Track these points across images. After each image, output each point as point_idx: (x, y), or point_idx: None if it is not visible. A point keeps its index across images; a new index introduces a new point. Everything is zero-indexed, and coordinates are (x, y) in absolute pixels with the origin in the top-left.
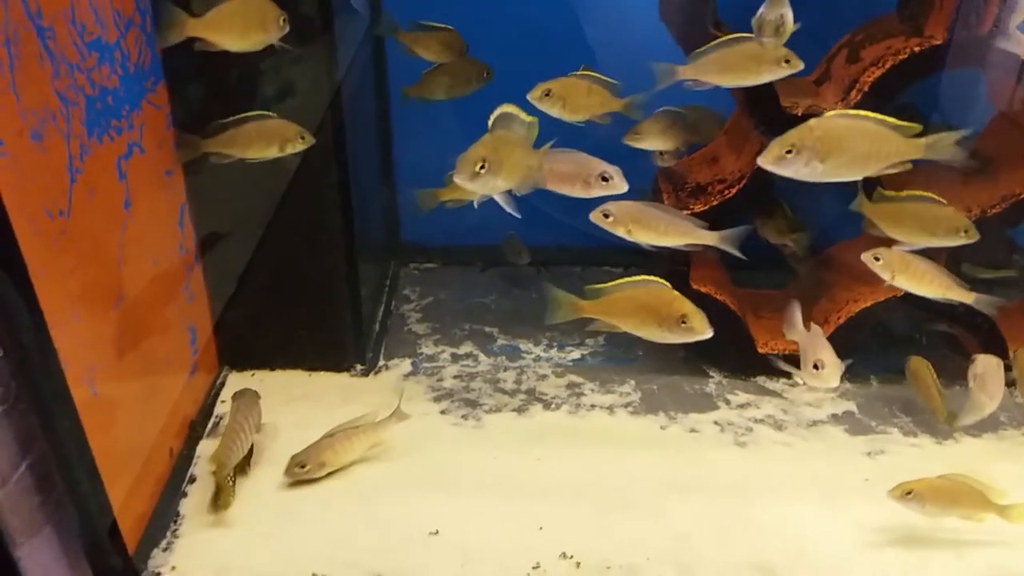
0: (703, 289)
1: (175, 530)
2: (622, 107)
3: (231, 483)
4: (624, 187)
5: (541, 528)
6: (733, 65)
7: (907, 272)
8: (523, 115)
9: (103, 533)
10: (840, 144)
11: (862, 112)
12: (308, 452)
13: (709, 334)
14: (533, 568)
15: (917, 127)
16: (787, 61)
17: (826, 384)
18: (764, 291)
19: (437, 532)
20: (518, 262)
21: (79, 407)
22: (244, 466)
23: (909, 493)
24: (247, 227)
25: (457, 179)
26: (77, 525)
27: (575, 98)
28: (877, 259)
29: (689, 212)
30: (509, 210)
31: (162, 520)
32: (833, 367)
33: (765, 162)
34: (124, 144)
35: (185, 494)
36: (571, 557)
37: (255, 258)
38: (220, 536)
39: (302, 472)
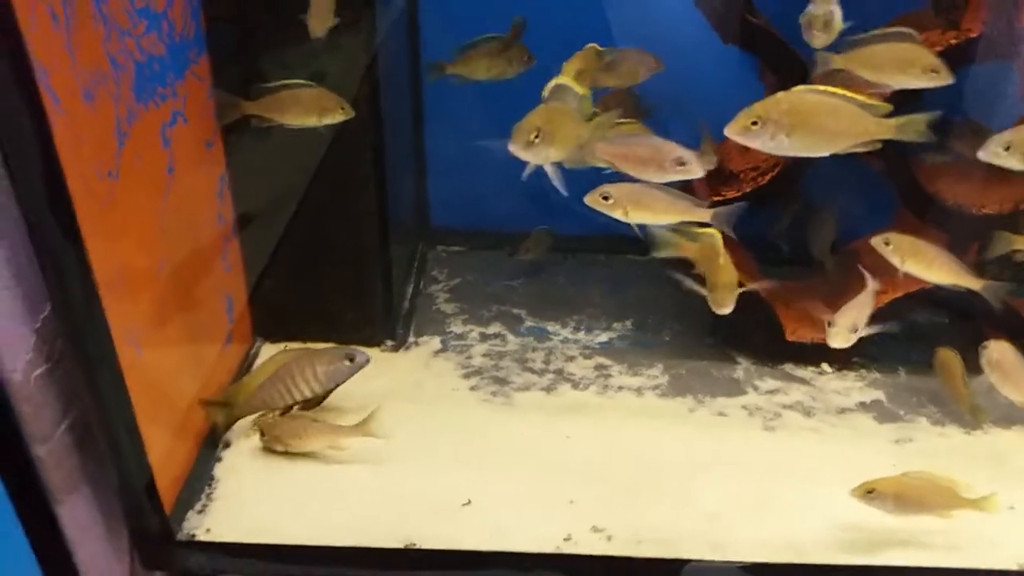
0: None
1: (210, 493)
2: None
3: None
4: (701, 171)
5: (572, 502)
6: (883, 65)
7: (917, 257)
8: (577, 87)
9: (141, 493)
10: (807, 119)
11: (830, 88)
12: (269, 423)
13: (725, 312)
14: (564, 540)
15: (888, 107)
16: (935, 71)
17: (831, 342)
18: (790, 283)
19: (469, 503)
20: (537, 257)
21: (124, 367)
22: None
23: (871, 492)
24: (283, 201)
25: (512, 148)
26: (116, 484)
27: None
28: (887, 244)
29: (720, 199)
30: (556, 184)
31: (198, 483)
32: (841, 330)
33: (731, 132)
34: (169, 112)
35: (220, 459)
36: (603, 531)
37: (290, 231)
38: (254, 501)
39: (261, 439)
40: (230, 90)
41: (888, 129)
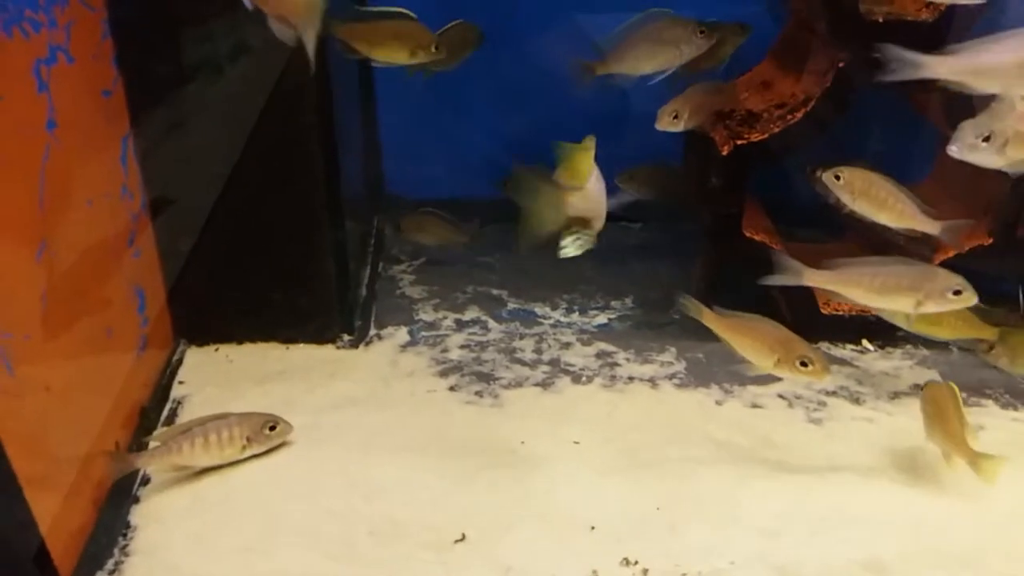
0: (757, 237)
1: (125, 547)
2: None
3: None
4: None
5: (593, 528)
6: None
7: (868, 196)
8: None
9: (25, 558)
10: None
11: None
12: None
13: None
14: None
15: None
16: None
17: None
18: (816, 244)
19: (463, 538)
20: None
21: None
22: None
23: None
24: (207, 166)
25: None
26: None
27: None
28: (838, 178)
29: (745, 142)
30: None
31: (108, 534)
32: None
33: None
34: (44, 45)
35: (137, 499)
36: (635, 563)
37: (218, 204)
38: (186, 551)
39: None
40: (134, 27)
41: None
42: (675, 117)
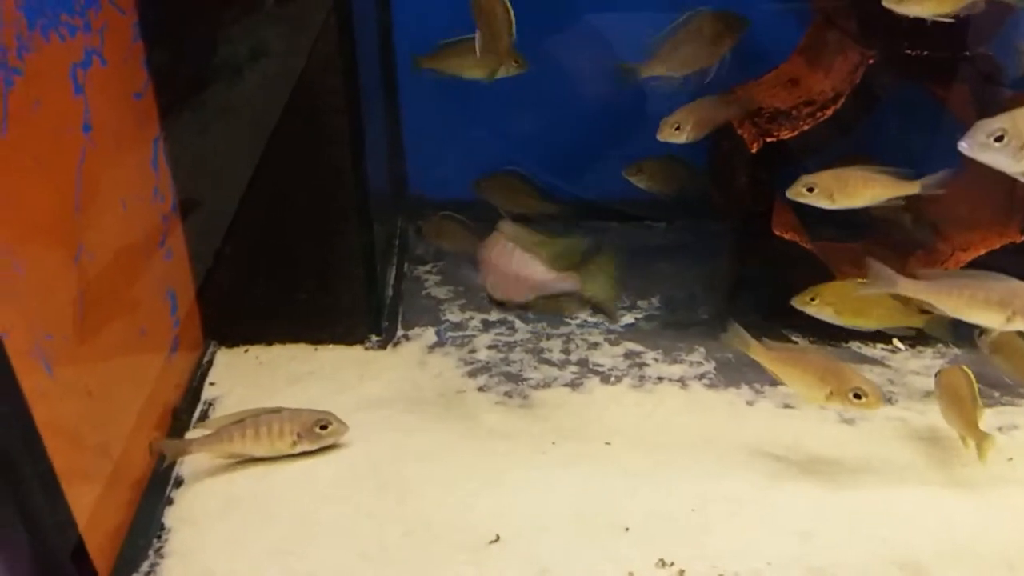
0: (786, 236)
1: (160, 548)
2: None
3: None
4: None
5: (627, 529)
6: None
7: (846, 190)
8: None
9: (64, 557)
10: None
11: None
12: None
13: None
14: None
15: None
16: None
17: None
18: (840, 244)
19: (497, 539)
20: None
21: (27, 392)
22: None
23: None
24: (236, 168)
25: None
26: (28, 548)
27: None
28: (811, 190)
29: (775, 139)
30: None
31: (143, 536)
32: None
33: None
34: (80, 49)
35: (171, 501)
36: (671, 564)
37: (247, 207)
38: (220, 553)
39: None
40: (164, 29)
41: None
42: (677, 128)
